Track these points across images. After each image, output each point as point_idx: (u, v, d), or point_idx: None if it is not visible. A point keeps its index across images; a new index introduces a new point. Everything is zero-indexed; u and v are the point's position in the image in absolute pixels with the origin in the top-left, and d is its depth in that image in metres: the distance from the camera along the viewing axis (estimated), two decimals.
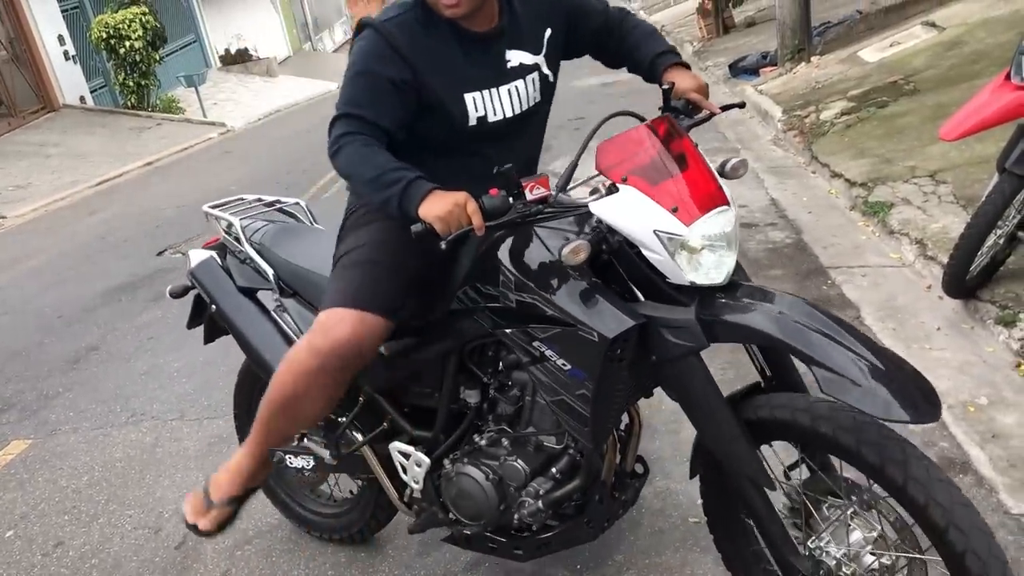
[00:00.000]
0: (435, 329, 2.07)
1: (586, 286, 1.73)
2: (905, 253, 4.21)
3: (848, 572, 1.69)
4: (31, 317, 5.88)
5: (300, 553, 2.74)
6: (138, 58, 16.08)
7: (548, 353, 1.78)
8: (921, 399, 1.51)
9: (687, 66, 2.08)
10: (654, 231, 1.64)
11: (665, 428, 3.03)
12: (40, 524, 3.17)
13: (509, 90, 1.97)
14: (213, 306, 2.50)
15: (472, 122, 1.94)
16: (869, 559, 1.68)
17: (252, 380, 2.72)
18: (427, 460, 2.20)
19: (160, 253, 7.08)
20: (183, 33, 21.51)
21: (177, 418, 3.87)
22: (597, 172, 1.73)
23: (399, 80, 1.85)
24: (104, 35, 15.63)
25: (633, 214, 1.66)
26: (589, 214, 1.74)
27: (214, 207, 2.61)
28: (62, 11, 16.79)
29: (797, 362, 1.83)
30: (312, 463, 2.55)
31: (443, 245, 1.71)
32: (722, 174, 1.77)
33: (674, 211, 1.62)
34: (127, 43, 15.69)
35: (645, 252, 1.68)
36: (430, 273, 2.01)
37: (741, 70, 10.85)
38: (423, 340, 2.10)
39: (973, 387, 2.97)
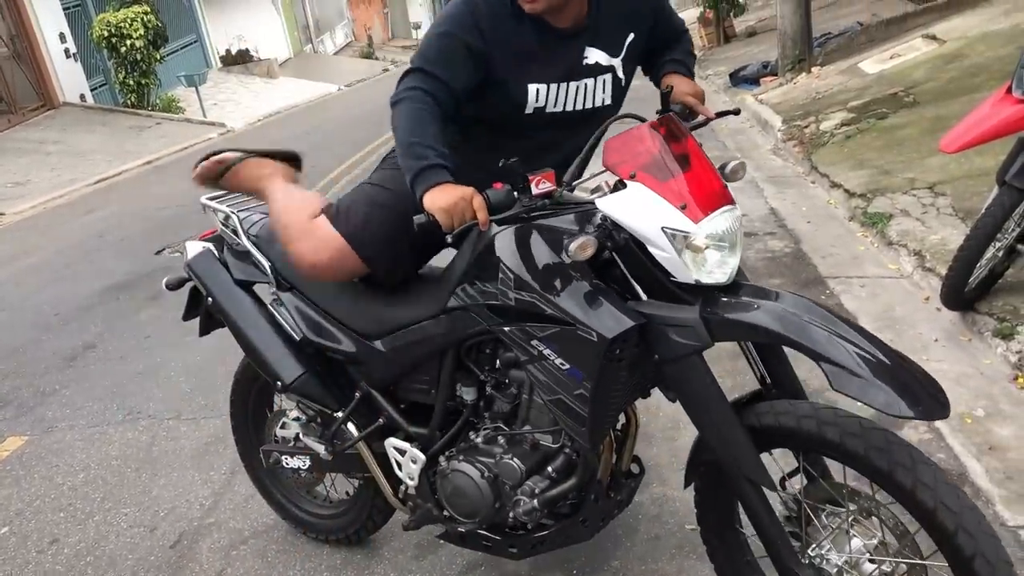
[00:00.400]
0: (433, 325, 2.07)
1: (587, 286, 1.72)
2: (903, 264, 4.22)
3: None
4: (28, 314, 5.87)
5: (296, 554, 2.74)
6: (139, 57, 16.09)
7: (547, 352, 1.78)
8: (929, 397, 1.51)
9: (690, 75, 2.12)
10: (662, 228, 1.63)
11: (662, 435, 3.04)
12: (35, 521, 3.16)
13: (578, 86, 2.01)
14: (209, 299, 2.48)
15: (529, 110, 1.98)
16: (870, 567, 1.68)
17: (250, 380, 2.72)
18: (423, 457, 2.20)
19: (159, 252, 6.97)
20: (184, 33, 21.52)
21: (174, 417, 3.86)
22: (604, 168, 1.73)
23: (474, 47, 1.89)
24: (105, 33, 15.64)
25: (641, 211, 1.65)
26: (592, 212, 1.74)
27: (212, 199, 2.59)
28: (64, 9, 16.80)
29: (797, 368, 1.85)
30: (308, 463, 2.55)
31: (449, 239, 1.73)
32: (721, 176, 1.78)
33: (682, 208, 1.62)
34: (128, 42, 15.70)
35: (651, 249, 1.67)
36: (419, 239, 2.00)
37: (741, 79, 10.90)
38: (421, 335, 2.10)
39: (970, 399, 2.98)
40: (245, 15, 24.71)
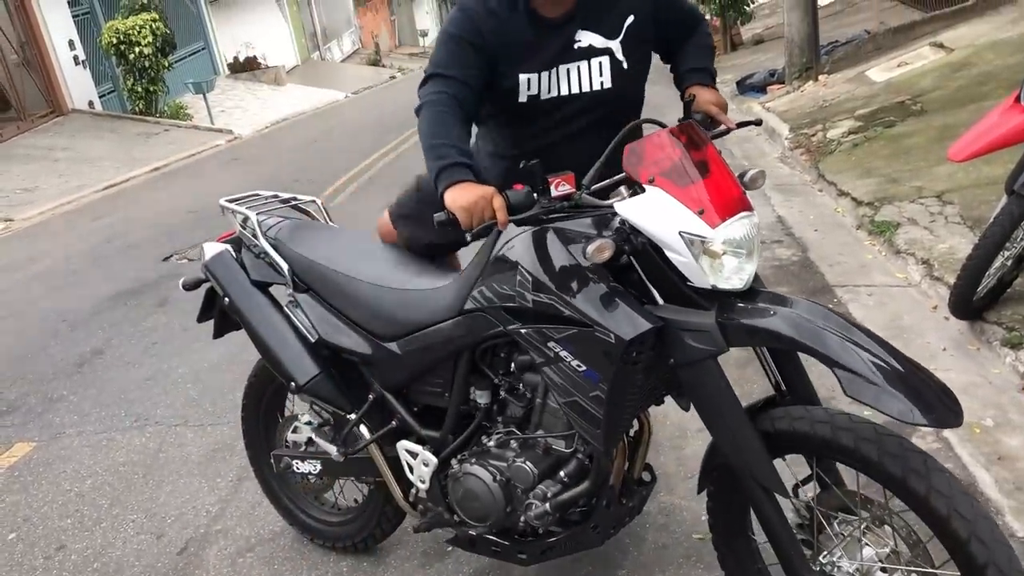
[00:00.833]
0: (449, 327, 2.07)
1: (604, 289, 1.73)
2: (911, 273, 4.21)
3: None
4: (36, 320, 5.89)
5: (302, 561, 2.74)
6: (147, 64, 16.16)
7: (563, 354, 1.79)
8: (943, 405, 1.52)
9: (713, 85, 2.15)
10: (679, 232, 1.64)
11: (670, 444, 3.03)
12: (42, 527, 3.17)
13: (568, 69, 2.07)
14: (226, 299, 2.49)
15: (522, 98, 2.07)
16: (881, 575, 1.68)
17: (264, 382, 2.73)
18: (434, 459, 2.20)
19: (166, 259, 7.09)
20: (192, 40, 21.61)
21: (181, 423, 3.87)
22: (624, 173, 1.75)
23: (478, 45, 2.01)
24: (114, 40, 15.71)
25: (659, 215, 1.66)
26: (610, 216, 1.74)
27: (231, 201, 2.62)
28: (73, 16, 16.89)
29: (811, 374, 1.84)
30: (319, 467, 2.56)
31: (468, 238, 1.76)
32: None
33: (700, 213, 1.63)
34: (137, 49, 15.77)
35: (669, 254, 1.68)
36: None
37: (748, 87, 10.90)
38: (437, 337, 2.10)
39: (979, 409, 2.96)
40: (253, 23, 24.81)
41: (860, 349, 1.54)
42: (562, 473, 2.00)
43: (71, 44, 16.60)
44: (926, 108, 6.97)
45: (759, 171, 1.81)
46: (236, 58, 23.35)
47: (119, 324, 5.50)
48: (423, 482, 2.25)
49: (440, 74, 2.00)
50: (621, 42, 2.09)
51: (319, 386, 2.34)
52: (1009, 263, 3.39)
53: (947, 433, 2.81)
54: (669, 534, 2.59)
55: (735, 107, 10.22)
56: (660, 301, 1.74)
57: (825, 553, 1.74)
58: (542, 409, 2.00)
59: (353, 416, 2.34)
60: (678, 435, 3.06)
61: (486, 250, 1.98)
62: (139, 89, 16.54)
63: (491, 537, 2.18)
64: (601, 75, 2.08)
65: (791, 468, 1.83)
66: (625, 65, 2.10)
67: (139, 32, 15.72)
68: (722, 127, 2.02)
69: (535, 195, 1.73)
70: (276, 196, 2.69)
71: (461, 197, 1.75)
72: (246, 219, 2.51)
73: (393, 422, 2.30)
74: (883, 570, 1.68)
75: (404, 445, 2.28)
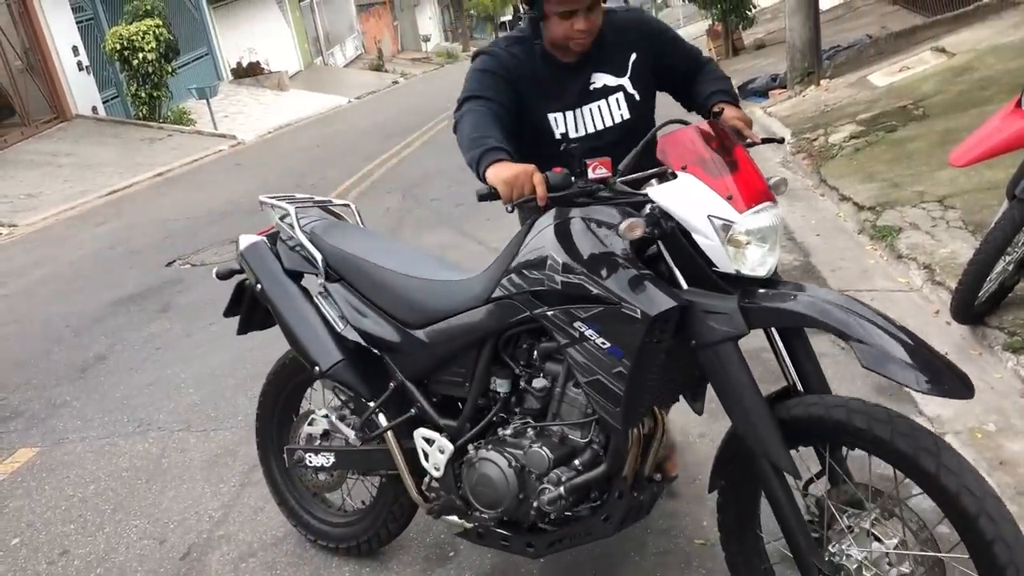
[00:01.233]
0: (476, 315, 2.15)
1: (633, 271, 1.81)
2: (913, 278, 4.21)
3: (869, 575, 1.71)
4: (39, 326, 5.91)
5: (304, 567, 2.74)
6: (151, 70, 16.22)
7: (588, 333, 1.86)
8: (954, 378, 1.59)
9: (736, 104, 2.30)
10: (708, 216, 1.73)
11: (673, 450, 3.03)
12: (46, 532, 3.18)
13: (591, 109, 2.32)
14: (258, 285, 2.59)
15: (556, 136, 2.31)
16: (890, 565, 1.71)
17: (282, 382, 2.80)
18: (451, 446, 2.25)
19: (170, 264, 7.11)
20: (196, 46, 21.68)
21: (183, 429, 3.88)
22: (654, 170, 1.87)
23: (505, 77, 2.25)
24: (118, 46, 15.77)
25: (689, 199, 1.76)
26: (641, 204, 1.83)
27: (271, 197, 2.73)
28: (77, 22, 16.97)
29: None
30: (332, 459, 2.59)
31: (509, 209, 1.88)
32: None
33: (728, 199, 1.73)
34: (140, 55, 15.83)
35: (697, 237, 1.76)
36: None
37: (750, 92, 10.90)
38: (464, 325, 2.17)
39: (981, 413, 2.96)
40: (256, 28, 24.89)
41: (875, 326, 1.63)
42: (577, 462, 2.05)
43: (75, 50, 16.68)
44: (928, 113, 6.97)
45: (781, 179, 1.88)
46: (239, 63, 23.42)
47: (122, 330, 5.52)
48: (437, 469, 2.30)
49: (475, 96, 2.21)
50: (629, 78, 2.33)
51: (342, 372, 2.42)
52: (1011, 268, 3.39)
53: (949, 438, 2.80)
54: (671, 539, 2.59)
55: None
56: (685, 286, 1.81)
57: (835, 543, 1.76)
58: (560, 399, 2.07)
59: (373, 403, 2.41)
60: (681, 441, 3.06)
61: (516, 241, 2.07)
62: (142, 95, 16.60)
63: (500, 531, 2.23)
64: (620, 108, 2.32)
65: (802, 463, 1.84)
66: (637, 97, 2.34)
67: (143, 38, 15.79)
68: (747, 141, 2.11)
69: (572, 178, 1.85)
70: (311, 197, 2.78)
71: (502, 172, 1.89)
72: (285, 213, 2.61)
73: (411, 411, 2.37)
74: (890, 561, 1.71)
75: (421, 432, 2.34)
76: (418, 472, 2.37)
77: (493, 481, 2.13)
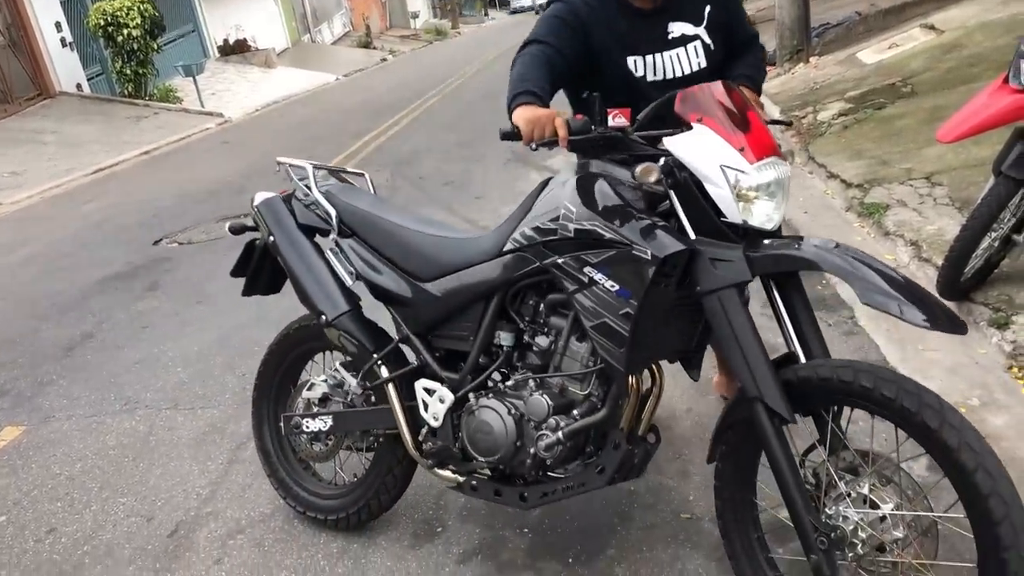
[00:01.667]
0: (487, 268, 2.22)
1: (645, 219, 1.89)
2: (900, 255, 4.22)
3: (864, 536, 1.74)
4: (26, 304, 5.87)
5: (293, 543, 2.75)
6: (136, 46, 16.05)
7: (598, 277, 1.94)
8: (947, 317, 1.66)
9: (754, 88, 2.43)
10: (720, 165, 1.81)
11: (660, 424, 3.03)
12: (32, 510, 3.17)
13: (671, 56, 2.35)
14: (271, 238, 2.65)
15: (637, 75, 2.34)
16: (884, 528, 1.74)
17: (284, 353, 2.83)
18: (451, 396, 2.33)
19: (157, 242, 7.07)
20: (181, 22, 21.45)
21: (171, 407, 3.87)
22: (675, 112, 1.92)
23: (575, 24, 2.29)
24: (102, 22, 15.59)
25: (703, 149, 1.83)
26: (655, 158, 1.89)
27: (288, 159, 2.80)
28: None
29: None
30: (329, 423, 2.63)
31: (533, 147, 1.96)
32: None
33: (741, 150, 1.80)
34: (125, 31, 15.66)
35: (708, 187, 1.84)
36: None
37: None
38: (474, 278, 2.24)
39: (965, 388, 2.99)
40: (242, 5, 24.63)
41: (873, 269, 1.70)
42: (575, 412, 2.12)
43: (58, 26, 16.46)
44: (916, 90, 6.97)
45: (788, 149, 1.92)
46: (226, 41, 23.20)
47: (109, 308, 5.49)
48: (436, 419, 2.36)
49: (536, 40, 2.29)
50: (705, 27, 2.38)
51: (348, 322, 2.50)
52: (996, 244, 3.40)
53: None
54: (657, 513, 2.61)
55: None
56: (693, 236, 1.87)
57: (831, 507, 1.79)
58: (563, 352, 2.13)
59: (376, 355, 2.47)
60: (667, 416, 3.08)
61: (529, 198, 2.16)
62: (128, 72, 16.43)
63: (494, 483, 2.30)
64: (698, 57, 2.37)
65: (800, 435, 1.88)
66: (713, 47, 2.39)
67: (127, 14, 15.61)
68: None
69: (592, 125, 1.92)
70: (325, 165, 2.83)
71: (526, 113, 1.98)
72: (303, 173, 2.68)
73: (414, 363, 2.45)
74: (885, 526, 1.74)
75: (422, 383, 2.41)
76: (416, 428, 2.43)
77: (492, 428, 2.20)
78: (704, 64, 2.38)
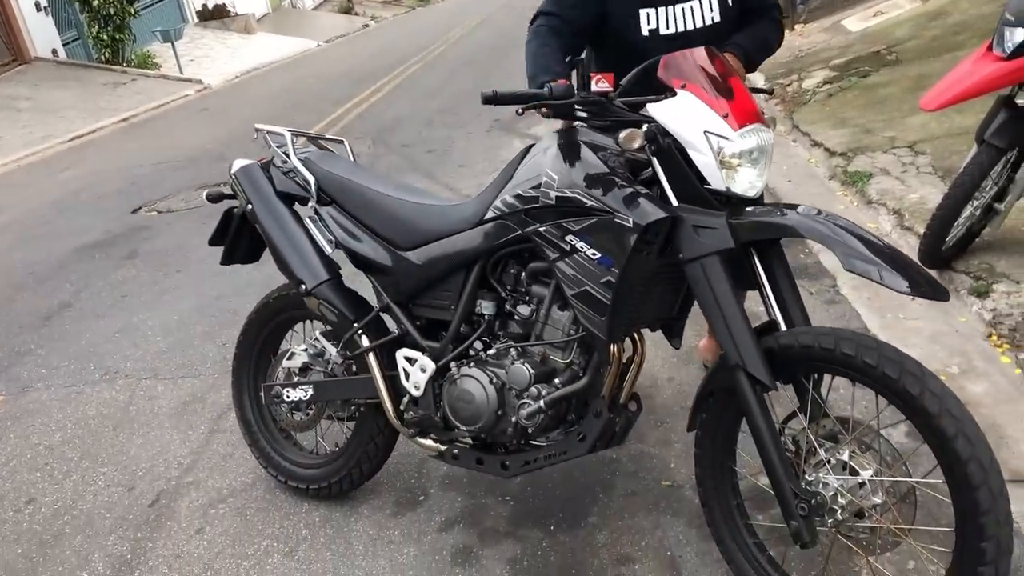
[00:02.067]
0: (468, 236, 2.20)
1: (627, 186, 1.88)
2: (882, 223, 4.23)
3: (843, 502, 1.75)
4: (1, 274, 5.80)
5: (275, 512, 2.74)
6: (112, 11, 15.76)
7: (579, 245, 1.93)
8: (929, 284, 1.66)
9: (743, 57, 2.38)
10: (704, 131, 1.80)
11: (641, 392, 3.04)
12: (12, 481, 3.15)
13: (683, 8, 2.33)
14: (249, 206, 2.62)
15: (645, 32, 2.33)
16: (865, 494, 1.75)
17: (263, 322, 2.81)
18: (433, 365, 2.31)
19: (135, 211, 6.99)
20: None
21: (151, 376, 3.84)
22: (660, 79, 1.90)
23: None
24: None
25: (687, 115, 1.83)
26: (638, 124, 1.87)
27: (266, 126, 2.76)
28: None
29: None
30: (310, 392, 2.61)
31: (519, 111, 1.94)
32: None
33: (724, 117, 1.80)
34: None
35: (692, 153, 1.83)
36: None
37: None
38: (455, 246, 2.23)
39: (945, 356, 3.00)
40: None
41: (855, 236, 1.70)
42: (557, 380, 2.12)
43: None
44: (901, 58, 6.95)
45: (770, 116, 1.89)
46: (204, 6, 22.80)
47: (87, 277, 5.43)
48: (417, 388, 2.35)
49: (543, 12, 2.38)
50: None
51: (327, 291, 2.48)
52: (978, 213, 3.41)
53: None
54: (638, 481, 2.62)
55: None
56: (675, 203, 1.86)
57: (811, 474, 1.80)
58: (545, 320, 2.12)
59: (356, 324, 2.45)
60: (649, 384, 3.08)
61: (511, 165, 2.14)
62: (104, 37, 16.14)
63: (476, 452, 2.30)
64: (712, 10, 2.34)
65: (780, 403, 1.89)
66: (729, 1, 2.36)
67: None
68: None
69: (575, 91, 1.90)
70: (304, 132, 2.80)
71: None
72: (281, 140, 2.64)
73: (394, 333, 2.43)
74: (865, 486, 1.76)
75: (403, 352, 2.39)
76: (397, 397, 2.42)
77: (473, 396, 2.19)
78: (718, 19, 2.35)
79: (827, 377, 1.86)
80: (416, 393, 2.36)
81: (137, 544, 2.68)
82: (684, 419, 2.15)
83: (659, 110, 1.86)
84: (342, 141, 2.87)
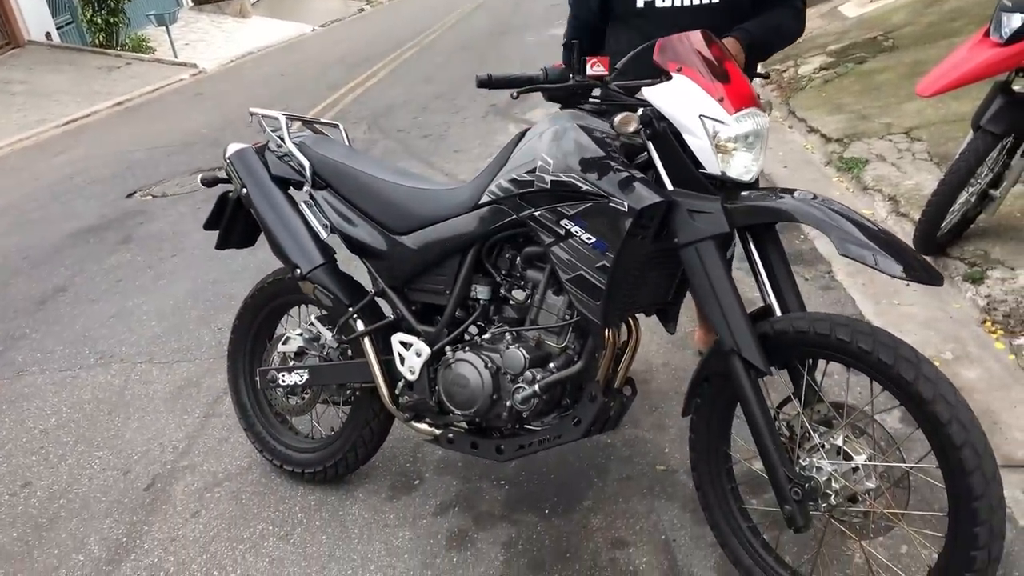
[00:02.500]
0: (463, 221, 2.20)
1: (622, 171, 1.88)
2: (878, 209, 4.23)
3: (837, 487, 1.76)
4: None
5: (270, 496, 2.75)
6: None
7: (574, 229, 1.93)
8: (923, 268, 1.66)
9: (743, 43, 2.35)
10: (699, 115, 1.80)
11: (636, 378, 3.05)
12: (7, 464, 3.15)
13: None
14: (243, 190, 2.61)
15: (640, 4, 2.37)
16: (857, 478, 1.76)
17: (259, 307, 2.81)
18: (428, 349, 2.32)
19: (130, 195, 6.96)
20: None
21: (146, 361, 3.84)
22: (655, 62, 1.89)
23: None
24: None
25: (682, 99, 1.82)
26: (633, 109, 1.87)
27: (261, 110, 2.74)
28: None
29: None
30: (305, 376, 2.61)
31: (514, 95, 1.93)
32: None
33: (720, 101, 1.79)
34: None
35: (687, 137, 1.83)
36: None
37: None
38: (450, 231, 2.22)
39: (939, 342, 3.01)
40: None
41: (850, 221, 1.70)
42: (552, 365, 2.12)
43: None
44: (897, 44, 6.94)
45: (767, 100, 1.89)
46: None
47: (82, 261, 5.41)
48: (412, 372, 2.36)
49: (570, 12, 2.60)
50: None
51: (322, 275, 2.48)
52: (973, 199, 3.42)
53: None
54: (633, 466, 2.63)
55: None
56: (670, 188, 1.86)
57: (805, 458, 1.81)
58: (540, 305, 2.12)
59: (351, 308, 2.46)
60: (644, 369, 3.09)
61: (506, 150, 2.13)
62: (98, 20, 16.04)
63: (470, 435, 2.31)
64: None
65: (775, 388, 1.89)
66: None
67: None
68: None
69: (570, 74, 1.90)
70: (299, 116, 2.80)
71: None
72: (275, 124, 2.63)
73: (389, 317, 2.44)
74: (858, 476, 1.76)
75: (399, 337, 2.40)
76: (392, 382, 2.43)
77: (468, 381, 2.20)
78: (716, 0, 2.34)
79: (821, 362, 1.86)
80: (411, 377, 2.37)
81: (132, 527, 2.69)
82: (679, 404, 2.15)
83: (655, 93, 1.86)
84: (337, 125, 2.86)
